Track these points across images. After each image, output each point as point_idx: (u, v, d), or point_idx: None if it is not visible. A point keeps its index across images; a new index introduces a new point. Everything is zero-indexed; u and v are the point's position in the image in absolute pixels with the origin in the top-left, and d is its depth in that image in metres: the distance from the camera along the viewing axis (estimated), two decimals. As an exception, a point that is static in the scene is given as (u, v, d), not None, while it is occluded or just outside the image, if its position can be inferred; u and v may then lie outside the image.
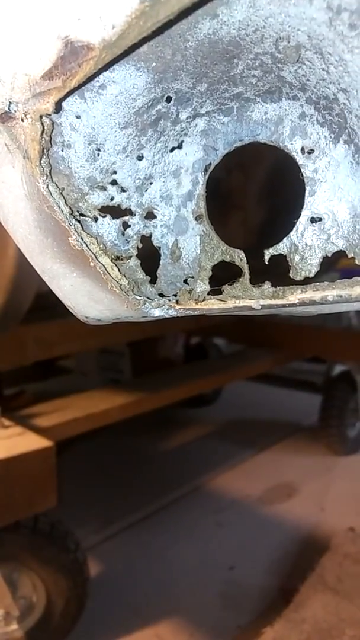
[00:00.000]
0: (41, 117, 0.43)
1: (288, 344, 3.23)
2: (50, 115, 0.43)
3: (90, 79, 0.40)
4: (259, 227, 1.84)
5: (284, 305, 0.45)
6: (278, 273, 0.51)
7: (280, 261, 0.51)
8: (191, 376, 2.80)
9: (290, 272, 0.49)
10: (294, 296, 0.44)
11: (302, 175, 0.46)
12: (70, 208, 0.49)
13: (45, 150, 0.46)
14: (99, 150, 0.48)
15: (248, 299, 0.48)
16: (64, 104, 0.44)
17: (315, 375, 3.80)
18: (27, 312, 1.79)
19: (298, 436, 3.58)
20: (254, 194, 1.82)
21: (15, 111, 0.44)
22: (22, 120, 0.44)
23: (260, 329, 3.29)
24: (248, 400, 4.22)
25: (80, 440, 2.46)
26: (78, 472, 2.95)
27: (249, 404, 4.18)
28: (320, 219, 0.46)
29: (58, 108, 0.43)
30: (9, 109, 0.44)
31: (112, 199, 0.51)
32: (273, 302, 0.46)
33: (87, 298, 0.56)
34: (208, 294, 0.53)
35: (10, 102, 0.43)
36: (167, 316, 0.54)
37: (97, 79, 0.43)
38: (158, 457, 3.29)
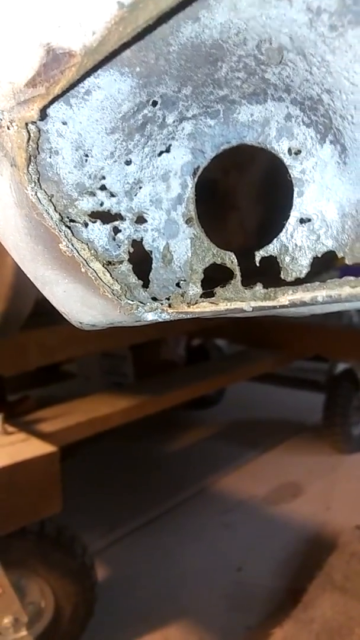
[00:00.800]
0: (27, 124, 0.43)
1: (290, 343, 3.23)
2: (35, 122, 0.44)
3: (73, 85, 0.40)
4: (257, 227, 1.84)
5: (275, 307, 0.45)
6: (272, 274, 0.51)
7: (274, 262, 0.51)
8: (194, 378, 2.80)
9: (281, 273, 0.49)
10: (285, 297, 0.44)
11: (290, 176, 0.46)
12: (59, 214, 0.49)
13: (32, 158, 0.46)
14: (86, 156, 0.48)
15: (239, 300, 0.48)
16: (49, 110, 0.44)
17: (318, 374, 3.79)
18: (28, 318, 1.79)
19: (302, 435, 3.57)
20: (251, 194, 1.82)
21: (0, 119, 0.44)
22: (8, 128, 0.44)
23: (262, 329, 3.29)
24: (251, 401, 4.21)
25: (84, 445, 2.45)
26: (83, 476, 2.95)
27: (252, 404, 4.18)
28: (309, 220, 0.46)
29: (43, 115, 0.43)
30: (-6, 117, 0.44)
31: (101, 204, 0.51)
32: (264, 303, 0.46)
33: (80, 304, 0.56)
34: (200, 296, 0.53)
35: (-5, 111, 0.43)
36: (160, 320, 0.54)
37: (82, 85, 0.43)
38: (162, 459, 3.29)
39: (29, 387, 3.45)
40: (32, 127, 0.44)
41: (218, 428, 3.76)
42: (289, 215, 0.47)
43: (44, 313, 1.98)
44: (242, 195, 1.79)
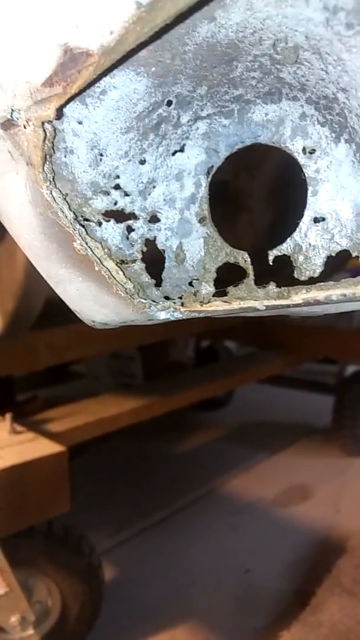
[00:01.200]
0: (43, 123, 0.44)
1: (299, 345, 3.22)
2: (52, 121, 0.44)
3: (90, 85, 0.40)
4: (268, 228, 1.84)
5: (288, 306, 0.45)
6: (285, 274, 0.51)
7: (287, 262, 0.51)
8: (202, 379, 2.80)
9: (295, 273, 0.49)
10: (298, 296, 0.44)
11: (304, 175, 0.46)
12: (74, 213, 0.50)
13: (48, 157, 0.46)
14: (101, 155, 0.49)
15: (253, 299, 0.48)
16: (65, 110, 0.45)
17: (327, 376, 3.77)
18: (38, 318, 1.80)
19: (311, 438, 3.55)
20: (262, 195, 1.82)
21: (17, 118, 0.44)
22: (25, 127, 0.44)
23: (272, 330, 3.28)
24: (260, 403, 4.20)
25: (92, 445, 2.46)
26: (91, 476, 2.95)
27: (261, 406, 4.17)
28: (323, 219, 0.46)
29: (59, 114, 0.43)
30: (11, 116, 0.44)
31: (115, 203, 0.51)
32: (277, 302, 0.46)
33: (93, 302, 0.56)
34: (213, 295, 0.53)
35: (12, 110, 0.44)
36: (172, 319, 0.54)
37: (97, 84, 0.44)
38: (171, 460, 3.29)
39: (37, 387, 3.47)
40: (48, 126, 0.44)
41: (227, 430, 3.76)
42: (302, 215, 0.47)
43: (53, 313, 2.00)
44: (252, 196, 1.79)
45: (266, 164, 1.71)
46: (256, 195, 1.79)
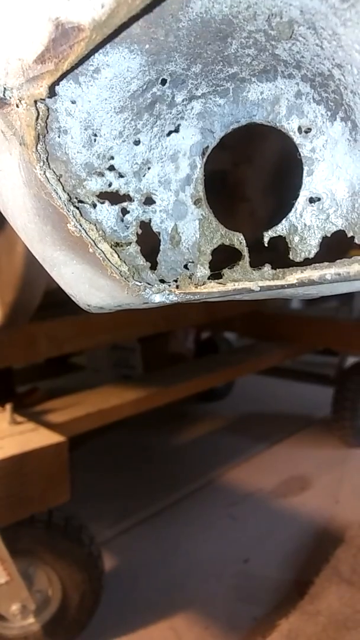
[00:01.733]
0: (36, 102, 0.43)
1: (299, 336, 3.22)
2: (44, 100, 0.43)
3: (82, 60, 0.40)
4: (267, 218, 1.83)
5: (283, 287, 0.45)
6: (280, 259, 0.51)
7: (282, 250, 0.50)
8: (202, 371, 2.80)
9: (290, 254, 0.48)
10: (293, 277, 0.44)
11: (299, 155, 0.46)
12: (68, 194, 0.49)
13: (41, 137, 0.46)
14: (95, 135, 0.48)
15: (247, 281, 0.48)
16: (58, 89, 0.44)
17: (327, 367, 3.78)
18: (38, 310, 1.80)
19: (311, 429, 3.56)
20: (261, 185, 1.81)
21: (10, 97, 0.44)
22: (17, 106, 0.44)
23: (271, 322, 3.28)
24: (260, 394, 4.20)
25: (93, 436, 2.47)
26: (91, 467, 2.96)
27: (261, 397, 4.17)
28: (318, 199, 0.46)
29: (52, 92, 0.43)
30: (3, 95, 0.44)
31: (110, 184, 0.51)
32: (272, 283, 0.45)
33: (88, 285, 0.56)
34: (208, 278, 0.52)
35: (4, 89, 0.43)
36: (167, 302, 0.54)
37: (90, 62, 0.43)
38: (171, 451, 3.30)
39: (37, 379, 3.48)
40: (41, 105, 0.44)
41: (226, 421, 3.76)
42: (298, 195, 0.47)
43: (52, 304, 1.99)
44: (251, 187, 1.79)
45: (265, 154, 1.70)
46: (255, 185, 1.78)
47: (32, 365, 3.65)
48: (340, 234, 0.46)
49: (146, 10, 0.35)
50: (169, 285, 0.53)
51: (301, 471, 2.96)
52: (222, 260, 0.54)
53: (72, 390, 2.33)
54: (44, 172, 0.47)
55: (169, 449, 3.34)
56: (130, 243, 0.53)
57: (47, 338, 2.28)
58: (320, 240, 0.47)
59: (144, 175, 0.51)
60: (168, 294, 0.53)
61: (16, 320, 1.80)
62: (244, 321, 3.35)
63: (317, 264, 0.43)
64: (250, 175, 1.77)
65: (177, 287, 0.53)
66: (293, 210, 0.47)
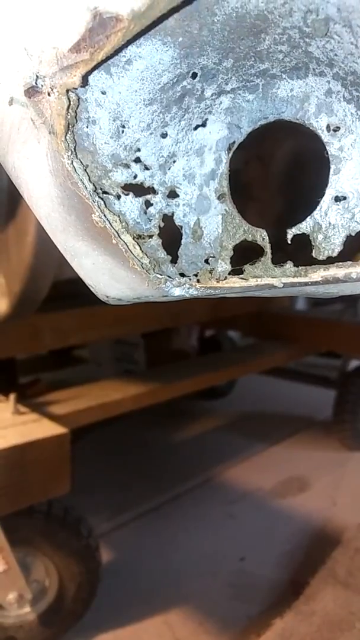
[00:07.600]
0: (67, 91, 0.43)
1: (303, 337, 3.21)
2: (76, 89, 0.44)
3: (117, 51, 0.40)
4: (277, 218, 1.83)
5: (306, 284, 0.45)
6: (301, 258, 0.51)
7: (303, 246, 0.50)
8: (205, 368, 2.80)
9: (313, 252, 0.48)
10: (317, 274, 0.44)
11: (327, 153, 0.46)
12: (93, 185, 0.49)
13: (70, 126, 0.46)
14: (123, 127, 0.48)
15: (270, 277, 0.48)
16: (90, 79, 0.44)
17: (329, 370, 3.78)
18: (44, 301, 1.80)
19: (311, 430, 3.56)
20: (272, 184, 1.81)
21: (42, 85, 0.44)
22: (49, 94, 0.44)
23: (276, 322, 3.28)
24: (261, 394, 4.21)
25: (93, 430, 2.47)
26: (91, 461, 2.97)
27: (262, 397, 4.18)
28: (344, 198, 0.46)
29: (84, 82, 0.43)
30: (35, 83, 0.44)
31: (135, 176, 0.51)
32: (295, 280, 0.46)
33: (108, 277, 0.56)
34: (229, 273, 0.53)
35: (37, 77, 0.44)
36: (187, 296, 0.54)
37: (123, 53, 0.43)
38: (171, 448, 3.30)
39: (40, 371, 3.48)
40: (72, 94, 0.44)
41: (227, 419, 3.77)
42: (324, 193, 0.47)
43: (59, 296, 1.99)
44: (262, 186, 1.78)
45: (278, 153, 1.69)
46: (267, 184, 1.78)
47: (34, 357, 3.65)
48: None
49: (186, 2, 0.35)
50: (189, 279, 0.53)
51: (300, 472, 2.96)
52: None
53: (74, 383, 2.33)
54: (72, 161, 0.47)
55: (169, 444, 3.34)
56: (152, 236, 0.53)
57: (52, 330, 2.29)
58: (344, 239, 0.47)
59: (169, 169, 0.52)
60: (188, 288, 0.53)
61: (22, 311, 1.80)
62: (248, 320, 3.35)
63: (342, 263, 0.43)
64: (261, 173, 1.76)
65: (198, 281, 0.53)
66: (318, 208, 0.47)
